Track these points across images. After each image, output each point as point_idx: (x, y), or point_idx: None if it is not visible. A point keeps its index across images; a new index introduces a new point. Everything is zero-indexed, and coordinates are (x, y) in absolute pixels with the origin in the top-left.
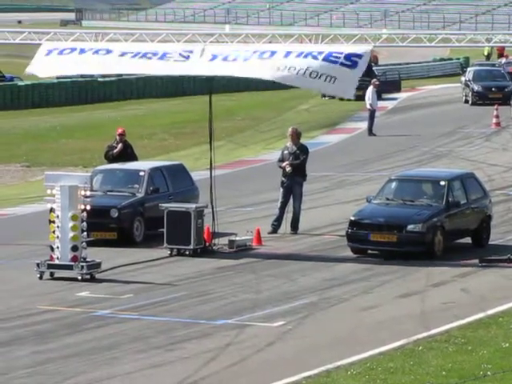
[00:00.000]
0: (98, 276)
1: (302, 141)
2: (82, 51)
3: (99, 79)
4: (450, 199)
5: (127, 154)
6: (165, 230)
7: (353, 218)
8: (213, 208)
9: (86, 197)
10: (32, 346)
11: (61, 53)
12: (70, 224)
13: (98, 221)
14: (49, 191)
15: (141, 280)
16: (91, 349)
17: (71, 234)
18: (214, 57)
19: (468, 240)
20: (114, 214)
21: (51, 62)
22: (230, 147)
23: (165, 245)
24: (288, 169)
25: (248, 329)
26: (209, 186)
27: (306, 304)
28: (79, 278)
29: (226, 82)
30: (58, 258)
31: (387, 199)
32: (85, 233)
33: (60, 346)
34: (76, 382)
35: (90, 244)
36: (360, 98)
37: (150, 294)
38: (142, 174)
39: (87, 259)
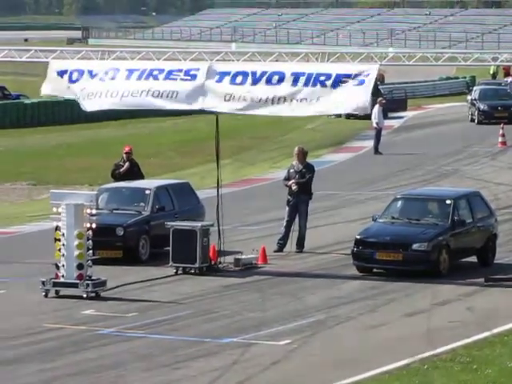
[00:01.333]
0: (103, 294)
1: (309, 159)
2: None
3: None
4: (456, 218)
5: (134, 173)
6: (170, 248)
7: (358, 237)
8: (219, 226)
9: (92, 215)
10: (37, 364)
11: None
12: (76, 242)
13: (104, 239)
14: (54, 209)
15: (146, 298)
16: (96, 367)
17: (77, 252)
18: (222, 76)
19: (474, 259)
20: (120, 232)
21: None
22: (237, 165)
23: (170, 263)
24: (294, 187)
25: (254, 347)
26: (215, 204)
27: (312, 322)
28: (84, 296)
29: None
30: (63, 276)
31: (393, 218)
32: (90, 251)
33: (65, 364)
34: None
35: (96, 262)
36: (366, 116)
37: (155, 312)
38: (147, 192)
39: (93, 277)
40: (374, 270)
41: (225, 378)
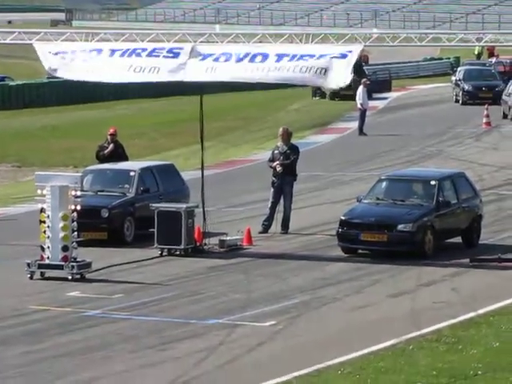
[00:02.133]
0: (88, 276)
1: (293, 141)
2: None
3: None
4: (441, 199)
5: (118, 154)
6: (155, 230)
7: (343, 218)
8: (203, 208)
9: (77, 197)
10: (23, 346)
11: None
12: (61, 224)
13: (89, 221)
14: (39, 191)
15: (132, 280)
16: (82, 349)
17: (62, 234)
18: (205, 56)
19: (459, 239)
20: (105, 214)
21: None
22: (221, 147)
23: (155, 245)
24: (278, 168)
25: (239, 328)
26: (199, 185)
27: (297, 304)
28: (70, 277)
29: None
30: (48, 258)
31: (377, 199)
32: (75, 233)
33: (51, 345)
34: (67, 381)
35: (81, 244)
36: (350, 97)
37: (140, 293)
38: (132, 174)
39: (78, 259)
40: (359, 251)
41: (211, 359)
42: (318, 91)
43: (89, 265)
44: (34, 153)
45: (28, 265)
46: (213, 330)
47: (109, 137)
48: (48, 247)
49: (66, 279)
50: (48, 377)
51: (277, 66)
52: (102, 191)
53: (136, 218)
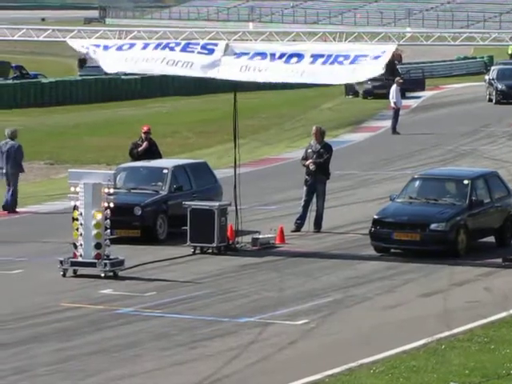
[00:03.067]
0: (121, 274)
1: (326, 139)
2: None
3: (123, 77)
4: (474, 198)
5: (152, 152)
6: (188, 227)
7: (376, 217)
8: (236, 206)
9: (110, 194)
10: (55, 344)
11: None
12: (94, 221)
13: (122, 218)
14: (72, 189)
15: (164, 278)
16: (114, 346)
17: (94, 232)
18: (239, 55)
19: (491, 239)
20: (138, 211)
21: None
22: (254, 145)
23: (188, 243)
24: (312, 167)
25: (271, 327)
26: (232, 183)
27: (329, 302)
28: (102, 275)
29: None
30: (81, 256)
31: (410, 198)
32: (108, 230)
33: (83, 343)
34: (98, 379)
35: (114, 241)
36: (384, 96)
37: (173, 291)
38: (165, 171)
39: (110, 257)
40: (392, 250)
41: (242, 358)
42: (351, 90)
43: (121, 262)
44: (66, 150)
45: (61, 262)
46: (244, 328)
47: (143, 134)
48: (81, 245)
49: (98, 277)
50: (79, 374)
51: (311, 70)
52: (135, 189)
53: (169, 216)
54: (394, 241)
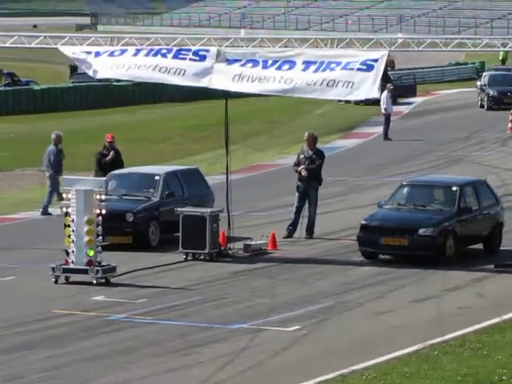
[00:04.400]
0: (113, 280)
1: (318, 145)
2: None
3: (115, 83)
4: (462, 205)
5: (118, 161)
6: (180, 234)
7: (364, 222)
8: (228, 212)
9: (102, 201)
10: (47, 350)
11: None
12: (86, 228)
13: (114, 225)
14: (64, 195)
15: (156, 284)
16: (106, 353)
17: (86, 238)
18: (231, 62)
19: (480, 246)
20: (130, 218)
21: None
22: (246, 151)
23: (180, 249)
24: (304, 173)
25: (263, 333)
26: (224, 190)
27: (322, 308)
28: (94, 282)
29: None
30: (73, 262)
31: (399, 204)
32: (100, 237)
33: (75, 350)
34: None
35: (106, 248)
36: (375, 102)
37: (165, 298)
38: (157, 178)
39: (102, 263)
40: (380, 256)
41: (234, 364)
42: None
43: (114, 269)
44: None
45: (53, 269)
46: (237, 334)
47: (107, 143)
48: (73, 251)
49: (90, 283)
50: (72, 381)
51: (304, 79)
52: (127, 195)
53: (161, 222)
54: (381, 246)
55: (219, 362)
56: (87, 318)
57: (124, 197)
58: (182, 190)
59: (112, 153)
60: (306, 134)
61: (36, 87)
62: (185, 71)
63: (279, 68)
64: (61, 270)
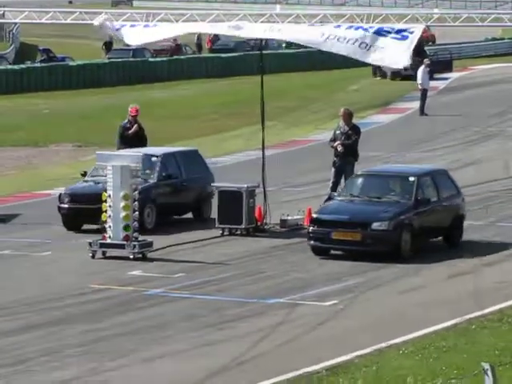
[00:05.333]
0: (149, 255)
1: (354, 121)
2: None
3: (150, 59)
4: (420, 196)
5: (141, 135)
6: (217, 209)
7: (314, 216)
8: (264, 188)
9: (137, 177)
10: (84, 325)
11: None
12: (122, 203)
13: None
14: (100, 171)
15: (192, 259)
16: (143, 327)
17: (123, 214)
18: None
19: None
20: None
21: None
22: (282, 127)
23: (216, 224)
24: (340, 148)
25: (300, 308)
26: (260, 165)
27: (358, 283)
28: (131, 257)
29: (277, 62)
30: (110, 237)
31: (352, 196)
32: (137, 212)
33: (112, 324)
34: (128, 360)
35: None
36: (412, 77)
37: (201, 273)
38: (154, 159)
39: (139, 238)
40: (332, 252)
41: (271, 338)
42: (379, 71)
43: (150, 244)
44: (94, 132)
45: (90, 244)
46: (273, 309)
47: (131, 117)
48: (109, 226)
49: (127, 258)
50: (109, 355)
51: (336, 35)
52: None
53: (157, 205)
54: (332, 241)
55: (255, 337)
56: (124, 292)
57: None
58: (179, 171)
59: (135, 126)
60: (342, 109)
61: (71, 63)
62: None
63: (310, 23)
64: (98, 245)
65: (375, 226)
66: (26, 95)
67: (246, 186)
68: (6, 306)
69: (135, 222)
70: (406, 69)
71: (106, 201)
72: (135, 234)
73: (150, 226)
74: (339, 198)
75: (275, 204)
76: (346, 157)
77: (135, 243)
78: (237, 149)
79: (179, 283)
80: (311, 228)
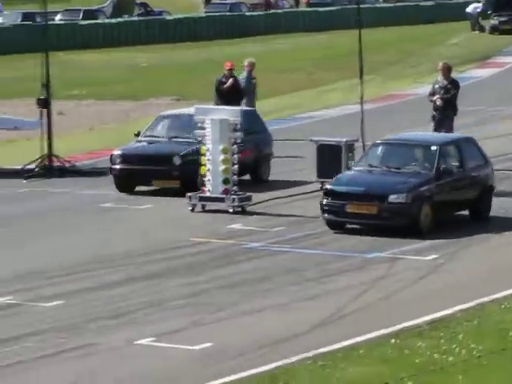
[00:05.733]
0: (249, 209)
1: (453, 75)
2: None
3: (247, 13)
4: (442, 166)
5: (237, 90)
6: (316, 163)
7: (328, 187)
8: (363, 142)
9: (236, 130)
10: (185, 278)
11: None
12: (221, 157)
13: (161, 168)
14: (199, 124)
15: (292, 213)
16: (244, 281)
17: (222, 167)
18: None
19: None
20: (177, 161)
21: None
22: (380, 81)
23: (315, 178)
24: (439, 102)
25: (400, 262)
26: (359, 119)
27: (459, 238)
28: (230, 210)
29: (374, 16)
30: (209, 191)
31: (370, 166)
32: (236, 166)
33: (212, 277)
34: (230, 312)
35: (153, 193)
36: (510, 31)
37: (301, 227)
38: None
39: (238, 192)
40: (348, 226)
41: (372, 292)
42: (478, 25)
43: (249, 198)
44: (192, 86)
45: (189, 198)
46: (374, 263)
47: (226, 71)
48: (209, 180)
49: (226, 212)
50: (210, 308)
51: None
52: (177, 137)
53: None
54: (347, 214)
55: (356, 290)
56: (224, 245)
57: (173, 139)
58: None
59: (230, 80)
60: (441, 64)
61: (168, 17)
62: None
63: None
64: (197, 199)
65: (392, 198)
66: (124, 49)
67: (344, 139)
68: (109, 259)
69: (234, 176)
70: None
71: (204, 154)
72: (234, 188)
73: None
74: (357, 168)
75: None
76: (445, 111)
77: (234, 197)
78: (335, 103)
79: (279, 237)
80: (325, 200)
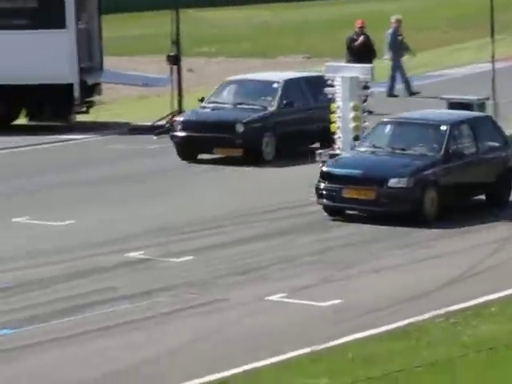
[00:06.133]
0: None
1: None
2: None
3: None
4: (451, 148)
5: (368, 48)
6: None
7: (324, 169)
8: (494, 100)
9: (365, 88)
10: (312, 235)
11: None
12: (351, 114)
13: (223, 136)
14: (330, 82)
15: None
16: (370, 239)
17: (352, 124)
18: None
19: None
20: (240, 128)
21: None
22: (511, 40)
23: None
24: None
25: None
26: (490, 78)
27: None
28: None
29: None
30: (339, 148)
31: (374, 147)
32: (366, 123)
33: (339, 235)
34: (358, 270)
35: (215, 162)
36: None
37: None
38: (275, 85)
39: None
40: (347, 212)
41: (503, 252)
42: None
43: None
44: (324, 44)
45: (319, 155)
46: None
47: (357, 29)
48: (339, 137)
49: None
50: (339, 265)
51: None
52: (242, 104)
53: (277, 134)
54: (344, 199)
55: (489, 249)
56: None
57: (238, 105)
58: (304, 99)
59: (361, 38)
60: None
61: None
62: None
63: None
64: (327, 156)
65: (392, 182)
66: (249, 7)
67: (476, 98)
68: (239, 215)
69: (365, 133)
70: None
71: (335, 112)
72: None
73: (268, 158)
74: (360, 149)
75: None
76: None
77: None
78: (466, 61)
79: None
80: (322, 184)
